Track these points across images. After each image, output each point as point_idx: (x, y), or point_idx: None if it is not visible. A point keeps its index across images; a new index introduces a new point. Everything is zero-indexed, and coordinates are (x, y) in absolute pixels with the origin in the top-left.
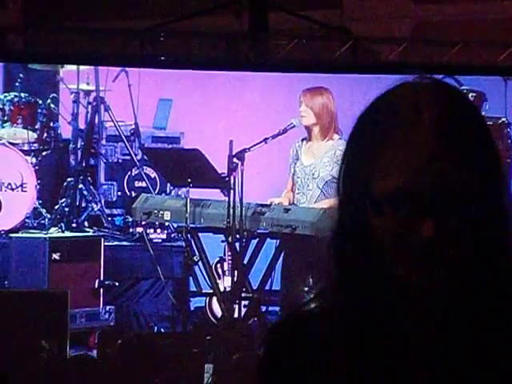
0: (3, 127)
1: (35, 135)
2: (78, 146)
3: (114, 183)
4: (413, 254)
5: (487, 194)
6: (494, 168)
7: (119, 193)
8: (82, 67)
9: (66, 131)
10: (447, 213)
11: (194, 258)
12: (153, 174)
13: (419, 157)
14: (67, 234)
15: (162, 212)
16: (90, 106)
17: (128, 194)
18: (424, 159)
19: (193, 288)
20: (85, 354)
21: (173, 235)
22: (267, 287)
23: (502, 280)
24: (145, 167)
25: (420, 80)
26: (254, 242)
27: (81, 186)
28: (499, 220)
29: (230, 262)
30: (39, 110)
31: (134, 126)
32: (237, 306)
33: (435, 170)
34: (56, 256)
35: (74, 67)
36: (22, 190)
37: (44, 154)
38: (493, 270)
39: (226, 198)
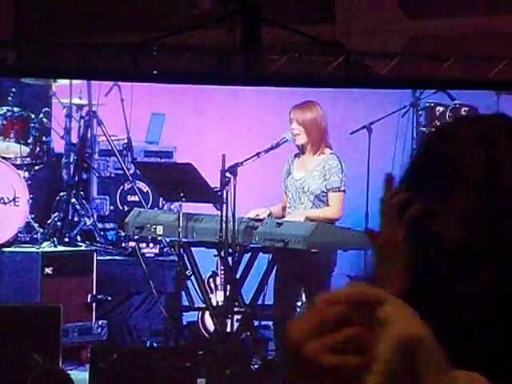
0: None
1: (28, 149)
2: (71, 161)
3: (107, 197)
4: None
5: None
6: None
7: (112, 207)
8: (74, 81)
9: (58, 145)
10: (503, 265)
11: (187, 272)
12: (145, 189)
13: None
14: (60, 248)
15: (154, 226)
16: (82, 121)
17: (120, 208)
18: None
19: (185, 302)
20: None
21: (165, 250)
22: (260, 302)
23: None
24: (137, 181)
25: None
26: (247, 256)
27: (73, 200)
28: None
29: (222, 276)
30: (32, 125)
31: (126, 141)
32: (229, 321)
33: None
34: (48, 270)
35: (66, 81)
36: (15, 205)
37: (36, 168)
38: None
39: (219, 213)
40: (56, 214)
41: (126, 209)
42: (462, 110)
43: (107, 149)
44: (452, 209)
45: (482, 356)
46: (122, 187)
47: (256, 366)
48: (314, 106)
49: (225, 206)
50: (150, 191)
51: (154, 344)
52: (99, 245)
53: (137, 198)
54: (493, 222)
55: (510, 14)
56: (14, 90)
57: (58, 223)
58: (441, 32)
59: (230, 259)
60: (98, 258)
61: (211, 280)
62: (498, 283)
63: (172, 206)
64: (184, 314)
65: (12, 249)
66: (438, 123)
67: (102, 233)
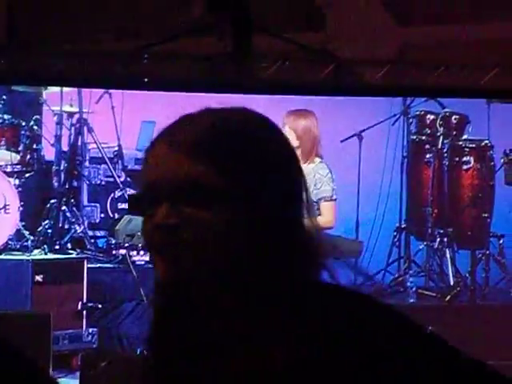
0: None
1: (18, 157)
2: (61, 168)
3: (97, 205)
4: (154, 244)
5: (240, 195)
6: (246, 174)
7: (102, 215)
8: (65, 89)
9: (49, 153)
10: (180, 200)
11: None
12: None
13: (160, 154)
14: (50, 255)
15: None
16: (73, 128)
17: (111, 215)
18: (164, 155)
19: None
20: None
21: None
22: None
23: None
24: (128, 189)
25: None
26: None
27: (64, 207)
28: (259, 226)
29: None
30: (22, 132)
31: (117, 148)
32: None
33: (169, 162)
34: (39, 278)
35: (57, 89)
36: (5, 212)
37: (27, 175)
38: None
39: None
40: (46, 221)
41: (116, 216)
42: (453, 118)
43: (98, 156)
44: None
45: None
46: (112, 195)
47: None
48: (309, 115)
49: None
50: None
51: (145, 351)
52: (90, 252)
53: (127, 206)
54: None
55: (501, 21)
56: (4, 97)
57: (49, 231)
58: (431, 40)
59: None
60: (89, 265)
61: None
62: None
63: None
64: None
65: (2, 256)
66: (429, 131)
67: (92, 240)
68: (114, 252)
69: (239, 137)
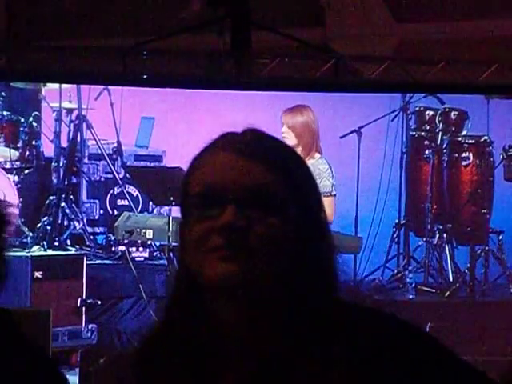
0: None
1: (17, 153)
2: (61, 165)
3: (97, 201)
4: (211, 243)
5: (296, 204)
6: (301, 186)
7: (101, 211)
8: (64, 85)
9: (48, 149)
10: (247, 204)
11: None
12: (135, 193)
13: (226, 160)
14: (49, 252)
15: (144, 230)
16: (72, 125)
17: (110, 212)
18: (231, 161)
19: None
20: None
21: (155, 253)
22: None
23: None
24: (127, 185)
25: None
26: None
27: (63, 204)
28: (315, 238)
29: None
30: (21, 129)
31: (116, 145)
32: None
33: (238, 168)
34: (38, 274)
35: (56, 85)
36: None
37: (26, 172)
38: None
39: None
40: (46, 217)
41: (115, 213)
42: (452, 113)
43: (97, 153)
44: None
45: None
46: (111, 191)
47: None
48: (305, 110)
49: None
50: (139, 195)
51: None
52: (89, 249)
53: (126, 202)
54: None
55: (500, 17)
56: (3, 93)
57: (48, 227)
58: (431, 36)
59: None
60: (88, 261)
61: None
62: None
63: (162, 210)
64: None
65: None
66: (428, 127)
67: (91, 237)
68: (113, 248)
69: (291, 151)
